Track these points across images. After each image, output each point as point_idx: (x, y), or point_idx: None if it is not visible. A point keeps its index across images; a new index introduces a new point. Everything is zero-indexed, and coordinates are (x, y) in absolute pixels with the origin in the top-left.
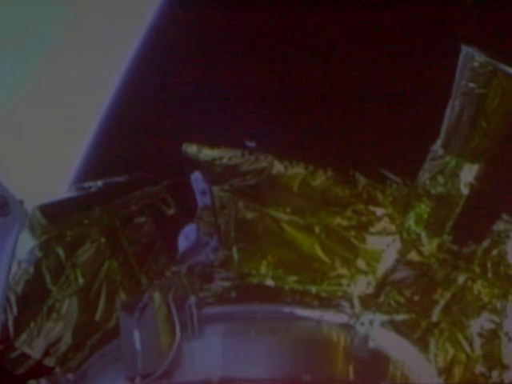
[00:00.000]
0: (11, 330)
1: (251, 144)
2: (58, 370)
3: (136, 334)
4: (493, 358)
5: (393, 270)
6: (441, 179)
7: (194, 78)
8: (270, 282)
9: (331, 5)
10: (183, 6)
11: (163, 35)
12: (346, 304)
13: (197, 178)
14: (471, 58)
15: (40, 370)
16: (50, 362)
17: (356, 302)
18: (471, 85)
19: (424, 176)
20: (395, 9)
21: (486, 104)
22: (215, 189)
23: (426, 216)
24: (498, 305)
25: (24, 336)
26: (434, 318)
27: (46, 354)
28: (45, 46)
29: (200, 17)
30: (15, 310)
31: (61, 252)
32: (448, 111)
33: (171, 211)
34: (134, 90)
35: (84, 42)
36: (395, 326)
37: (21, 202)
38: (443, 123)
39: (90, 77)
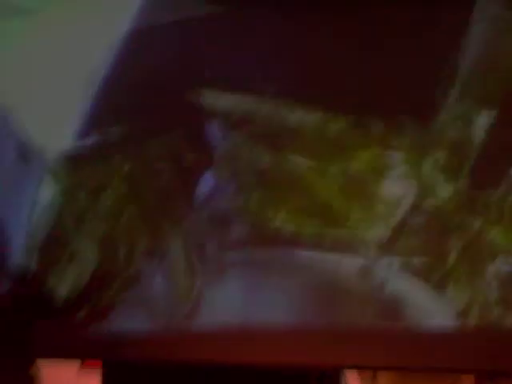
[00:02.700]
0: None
1: (269, 90)
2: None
3: (157, 280)
4: (510, 302)
5: (410, 214)
6: (458, 123)
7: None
8: (288, 228)
9: None
10: None
11: None
12: (364, 248)
13: (214, 126)
14: None
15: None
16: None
17: (374, 246)
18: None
19: (441, 120)
20: None
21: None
22: (232, 135)
23: (442, 161)
24: None
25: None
26: (451, 262)
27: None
28: None
29: None
30: (37, 256)
31: (83, 198)
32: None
33: (189, 159)
34: (144, 32)
35: None
36: (412, 270)
37: (42, 149)
38: (460, 68)
39: (94, 28)
